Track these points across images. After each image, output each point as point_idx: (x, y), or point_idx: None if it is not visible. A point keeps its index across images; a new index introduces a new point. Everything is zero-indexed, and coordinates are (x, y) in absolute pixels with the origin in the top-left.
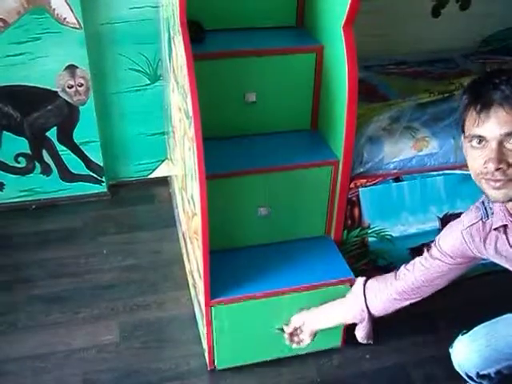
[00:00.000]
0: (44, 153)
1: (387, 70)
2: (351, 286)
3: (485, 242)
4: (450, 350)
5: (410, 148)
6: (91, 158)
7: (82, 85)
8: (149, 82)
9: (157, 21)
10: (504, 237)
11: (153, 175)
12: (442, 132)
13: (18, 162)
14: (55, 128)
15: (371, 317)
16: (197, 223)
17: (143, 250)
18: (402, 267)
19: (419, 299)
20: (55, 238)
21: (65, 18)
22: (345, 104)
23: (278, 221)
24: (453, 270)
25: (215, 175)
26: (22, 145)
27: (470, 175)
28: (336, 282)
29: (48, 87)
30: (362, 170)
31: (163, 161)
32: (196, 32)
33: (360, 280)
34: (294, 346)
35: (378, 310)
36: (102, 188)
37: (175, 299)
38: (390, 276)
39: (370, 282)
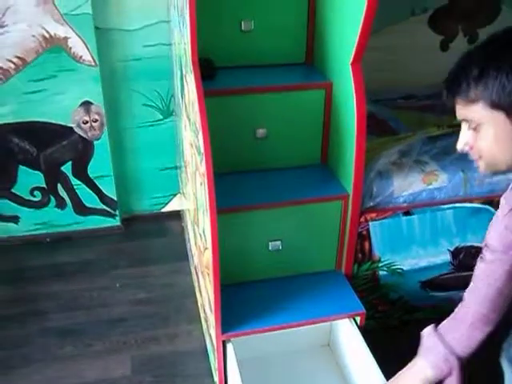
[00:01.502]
0: (59, 187)
1: (396, 103)
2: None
3: None
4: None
5: (420, 182)
6: (105, 192)
7: (96, 120)
8: (162, 117)
9: (169, 58)
10: None
11: (165, 209)
12: (451, 165)
13: (34, 196)
14: (70, 162)
15: (461, 362)
16: (208, 257)
17: (156, 284)
18: (465, 294)
19: (499, 318)
20: (69, 270)
21: (81, 56)
22: (354, 139)
23: (288, 255)
24: None
25: (226, 210)
26: (38, 179)
27: (479, 208)
28: (347, 315)
29: (64, 123)
30: (371, 203)
31: (176, 195)
32: (207, 69)
33: (428, 330)
34: None
35: (463, 349)
36: (116, 221)
37: (187, 333)
38: (457, 309)
39: (440, 326)
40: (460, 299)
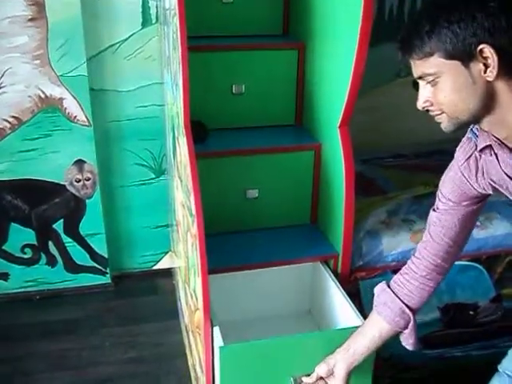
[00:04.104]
0: (50, 244)
1: (385, 163)
2: None
3: (482, 171)
4: None
5: (408, 240)
6: (96, 250)
7: (89, 179)
8: (154, 176)
9: (162, 118)
10: (493, 158)
11: (157, 267)
12: None
13: (24, 253)
14: (62, 220)
15: (414, 315)
16: (199, 318)
17: (146, 343)
18: (419, 246)
19: (450, 267)
20: (58, 329)
21: (75, 116)
22: (343, 199)
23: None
24: (466, 216)
25: (217, 270)
26: (29, 236)
27: (467, 265)
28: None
29: (56, 181)
30: (361, 263)
31: (167, 252)
32: (199, 132)
33: (381, 287)
34: None
35: (417, 302)
36: (106, 279)
37: None
38: (410, 263)
39: (392, 282)
40: (451, 357)
